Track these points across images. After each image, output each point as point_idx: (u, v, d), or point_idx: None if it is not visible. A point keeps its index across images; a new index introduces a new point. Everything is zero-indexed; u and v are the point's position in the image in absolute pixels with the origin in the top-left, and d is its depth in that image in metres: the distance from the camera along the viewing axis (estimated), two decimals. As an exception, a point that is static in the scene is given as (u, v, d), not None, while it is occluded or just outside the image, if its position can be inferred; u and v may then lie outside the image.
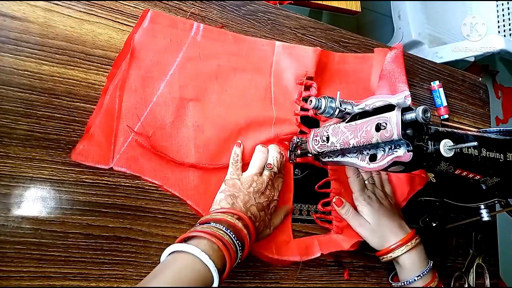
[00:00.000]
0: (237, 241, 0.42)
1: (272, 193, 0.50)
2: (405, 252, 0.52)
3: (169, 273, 0.37)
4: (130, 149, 0.46)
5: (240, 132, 0.53)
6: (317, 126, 0.58)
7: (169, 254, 0.40)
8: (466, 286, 0.68)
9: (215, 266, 0.38)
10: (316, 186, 0.58)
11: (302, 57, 0.59)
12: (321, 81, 0.61)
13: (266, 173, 0.50)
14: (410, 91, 0.66)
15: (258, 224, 0.47)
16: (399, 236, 0.53)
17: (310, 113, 0.57)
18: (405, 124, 0.37)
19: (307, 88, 0.60)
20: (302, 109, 0.58)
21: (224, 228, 0.42)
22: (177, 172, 0.49)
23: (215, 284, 0.38)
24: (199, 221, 0.45)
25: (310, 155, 0.52)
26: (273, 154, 0.52)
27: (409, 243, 0.53)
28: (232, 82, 0.55)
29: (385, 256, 0.54)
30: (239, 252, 0.42)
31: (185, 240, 0.41)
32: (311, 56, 0.60)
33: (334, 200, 0.56)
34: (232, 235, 0.41)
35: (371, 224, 0.54)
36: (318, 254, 0.53)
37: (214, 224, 0.42)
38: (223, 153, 0.52)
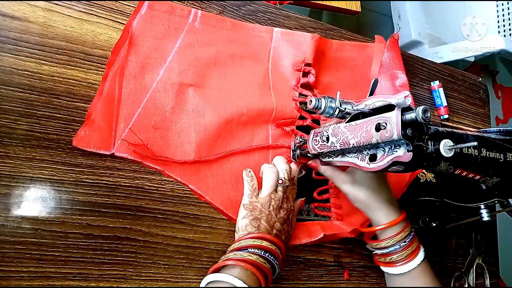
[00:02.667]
0: (271, 257, 0.44)
1: (289, 205, 0.51)
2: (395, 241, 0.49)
3: None
4: (131, 135, 0.47)
5: (241, 117, 0.53)
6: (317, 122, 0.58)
7: (207, 284, 0.42)
8: (466, 286, 0.68)
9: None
10: (313, 172, 0.57)
11: (300, 44, 0.60)
12: (318, 68, 0.61)
13: (280, 188, 0.51)
14: (410, 91, 0.66)
15: (284, 237, 0.49)
16: (392, 215, 0.49)
17: (308, 101, 0.58)
18: (405, 124, 0.37)
19: (305, 74, 0.60)
20: (301, 95, 0.59)
21: (256, 251, 0.44)
22: (178, 157, 0.49)
23: None
24: (230, 248, 0.46)
25: (310, 155, 0.52)
26: (282, 167, 0.52)
27: (400, 234, 0.49)
28: (230, 68, 0.55)
29: (373, 245, 0.52)
30: (277, 267, 0.45)
31: (221, 268, 0.44)
32: (309, 43, 0.60)
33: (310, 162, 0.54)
34: (265, 254, 0.44)
35: (356, 182, 0.50)
36: (321, 235, 0.53)
37: (247, 250, 0.44)
38: (224, 137, 0.52)
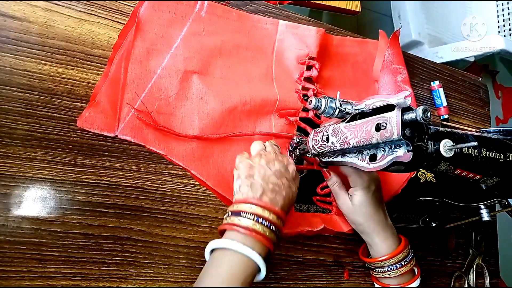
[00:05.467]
0: (271, 226, 0.42)
1: (285, 159, 0.49)
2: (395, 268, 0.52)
3: (218, 272, 0.39)
4: (135, 119, 0.47)
5: (245, 106, 0.53)
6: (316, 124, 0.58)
7: (211, 251, 0.42)
8: (466, 286, 0.68)
9: (259, 255, 0.40)
10: (316, 164, 0.57)
11: (305, 37, 0.60)
12: (321, 63, 0.61)
13: (268, 146, 0.51)
14: (410, 86, 0.66)
15: (285, 192, 0.46)
16: (387, 239, 0.52)
17: (310, 93, 0.58)
18: (405, 124, 0.37)
19: (309, 68, 0.60)
20: (303, 88, 0.59)
21: (254, 217, 0.42)
22: (181, 142, 0.49)
23: (263, 269, 0.41)
24: (229, 209, 0.44)
25: (310, 155, 0.52)
26: (268, 142, 0.53)
27: (401, 262, 0.51)
28: (234, 58, 0.56)
29: (371, 264, 0.54)
30: (277, 232, 0.43)
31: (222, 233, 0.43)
32: (314, 36, 0.60)
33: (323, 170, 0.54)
34: (264, 222, 0.42)
35: (355, 207, 0.52)
36: (321, 227, 0.54)
37: (245, 215, 0.42)
38: (227, 125, 0.52)
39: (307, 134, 0.57)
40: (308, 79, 0.60)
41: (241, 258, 0.40)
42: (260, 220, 0.42)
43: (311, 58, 0.60)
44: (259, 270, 0.41)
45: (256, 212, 0.42)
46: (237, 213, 0.43)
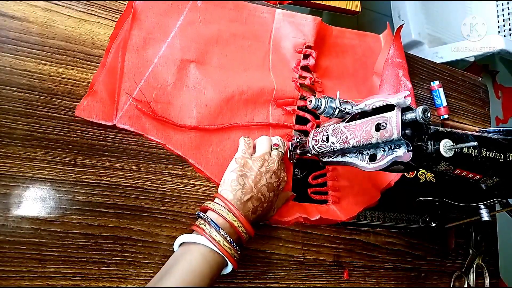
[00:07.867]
0: (233, 243, 0.43)
1: (283, 174, 0.50)
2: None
3: (182, 266, 0.40)
4: (133, 108, 0.47)
5: (242, 95, 0.53)
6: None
7: (180, 245, 0.43)
8: (466, 286, 0.68)
9: (227, 250, 0.41)
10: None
11: (302, 26, 0.60)
12: (318, 52, 0.61)
13: (274, 153, 0.50)
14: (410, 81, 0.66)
15: (266, 205, 0.47)
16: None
17: (307, 82, 0.58)
18: (405, 124, 0.37)
19: (306, 56, 0.60)
20: (301, 77, 0.59)
21: (225, 235, 0.42)
22: (179, 131, 0.49)
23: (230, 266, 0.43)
24: (211, 205, 0.44)
25: (310, 154, 0.52)
26: (277, 137, 0.53)
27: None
28: (231, 47, 0.56)
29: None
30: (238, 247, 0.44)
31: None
32: (311, 25, 0.60)
33: None
34: (229, 238, 0.43)
35: None
36: (317, 217, 0.54)
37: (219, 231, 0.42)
38: (224, 114, 0.52)
39: (306, 122, 0.58)
40: (305, 68, 0.60)
41: (210, 251, 0.41)
42: (228, 238, 0.42)
43: (308, 47, 0.60)
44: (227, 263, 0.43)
45: (227, 229, 0.43)
46: (214, 225, 0.43)
